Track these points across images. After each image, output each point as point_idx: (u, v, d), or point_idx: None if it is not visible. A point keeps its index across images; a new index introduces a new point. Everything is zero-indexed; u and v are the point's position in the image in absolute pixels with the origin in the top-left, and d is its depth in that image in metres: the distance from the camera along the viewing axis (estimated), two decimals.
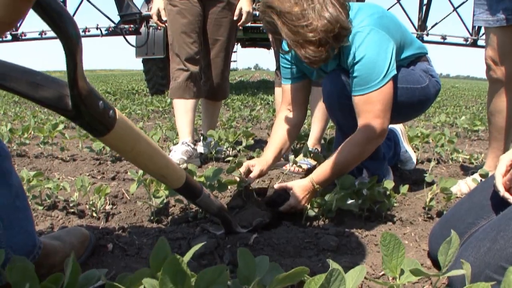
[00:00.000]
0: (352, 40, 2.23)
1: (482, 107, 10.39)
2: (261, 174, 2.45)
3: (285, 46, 2.26)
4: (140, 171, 2.22)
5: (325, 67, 2.52)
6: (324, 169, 2.26)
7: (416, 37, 12.17)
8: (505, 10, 2.56)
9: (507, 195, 1.50)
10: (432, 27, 12.56)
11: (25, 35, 13.32)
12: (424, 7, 12.36)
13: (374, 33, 2.22)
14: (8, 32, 12.10)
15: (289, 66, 2.67)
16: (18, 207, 1.34)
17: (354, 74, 2.24)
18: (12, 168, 1.33)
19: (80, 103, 0.89)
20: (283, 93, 2.76)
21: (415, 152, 3.52)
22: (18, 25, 13.14)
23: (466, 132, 5.70)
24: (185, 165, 3.23)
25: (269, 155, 2.54)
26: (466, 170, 3.46)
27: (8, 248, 1.27)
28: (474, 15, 2.78)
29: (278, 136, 2.64)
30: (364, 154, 2.28)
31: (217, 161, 3.61)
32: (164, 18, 3.71)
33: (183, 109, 3.67)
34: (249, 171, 2.40)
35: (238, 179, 2.31)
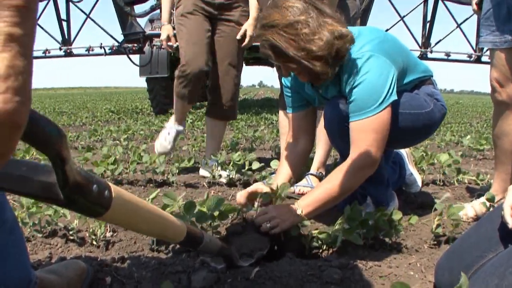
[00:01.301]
0: (351, 65, 2.21)
1: (487, 124, 10.34)
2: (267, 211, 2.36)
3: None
4: (147, 199, 2.19)
5: (326, 94, 2.49)
6: (312, 197, 2.18)
7: (420, 54, 12.33)
8: None
9: None
10: (436, 44, 12.56)
11: None
12: (428, 24, 12.37)
13: (374, 59, 2.19)
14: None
15: (293, 95, 2.66)
16: (13, 242, 1.31)
17: (351, 99, 2.21)
18: (6, 202, 1.30)
19: (72, 194, 0.85)
20: (288, 122, 2.75)
21: (420, 174, 3.48)
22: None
23: (471, 151, 5.65)
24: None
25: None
26: (472, 192, 3.41)
27: (1, 285, 1.24)
28: (480, 36, 2.75)
29: (286, 167, 2.62)
30: (353, 183, 2.21)
31: (220, 185, 3.57)
32: (174, 44, 3.84)
33: (182, 105, 3.90)
34: (255, 193, 2.32)
35: (238, 207, 2.27)
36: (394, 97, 2.19)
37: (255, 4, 3.72)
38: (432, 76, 2.65)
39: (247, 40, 3.72)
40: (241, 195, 2.34)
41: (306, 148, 2.70)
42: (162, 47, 4.00)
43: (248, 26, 3.73)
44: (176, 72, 3.68)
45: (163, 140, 3.96)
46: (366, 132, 2.15)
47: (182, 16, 3.79)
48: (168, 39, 3.89)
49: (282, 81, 2.66)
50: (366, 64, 2.17)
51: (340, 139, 2.41)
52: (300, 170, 2.76)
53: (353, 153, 2.17)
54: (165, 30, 3.91)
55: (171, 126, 4.00)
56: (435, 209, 2.38)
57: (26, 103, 0.53)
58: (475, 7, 2.83)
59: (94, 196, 0.90)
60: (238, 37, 3.74)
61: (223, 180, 3.66)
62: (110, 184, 0.98)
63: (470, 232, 1.73)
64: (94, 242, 2.25)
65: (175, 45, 3.90)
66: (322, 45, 2.03)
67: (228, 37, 3.79)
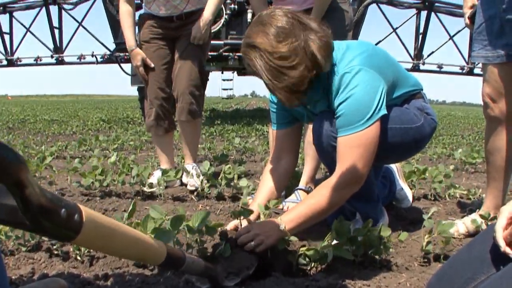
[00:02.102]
0: (339, 80, 2.17)
1: (479, 136, 10.36)
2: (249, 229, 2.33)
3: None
4: (126, 215, 2.14)
5: (315, 109, 2.45)
6: (295, 212, 2.13)
7: (412, 66, 12.37)
8: (506, 46, 2.51)
9: (508, 250, 1.41)
10: (428, 56, 12.64)
11: (20, 61, 13.38)
12: (420, 36, 12.44)
13: (363, 73, 2.15)
14: (4, 57, 12.14)
15: (279, 111, 2.61)
16: None
17: (338, 114, 2.17)
18: None
19: (37, 218, 0.81)
20: (273, 139, 2.69)
21: (411, 189, 3.45)
22: (14, 50, 13.23)
23: (463, 165, 5.63)
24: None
25: (256, 209, 2.41)
26: (464, 207, 3.38)
27: None
28: (473, 50, 2.73)
29: (266, 187, 2.54)
30: (338, 200, 2.16)
31: (208, 199, 3.53)
32: (151, 65, 3.82)
33: (159, 143, 4.09)
34: (237, 229, 2.25)
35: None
36: (383, 111, 2.16)
37: (211, 8, 3.78)
38: (422, 89, 2.62)
39: (196, 38, 3.75)
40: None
41: (288, 168, 2.62)
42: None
43: (194, 28, 3.75)
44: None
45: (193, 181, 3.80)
46: (353, 147, 2.11)
47: (140, 45, 3.87)
48: (143, 63, 3.80)
49: (269, 96, 2.61)
50: (354, 78, 2.14)
51: (329, 154, 2.37)
52: (282, 190, 2.70)
53: (339, 169, 2.13)
54: (136, 55, 3.80)
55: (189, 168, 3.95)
56: (425, 226, 2.35)
57: None
58: (467, 21, 2.82)
59: (62, 220, 0.86)
60: (191, 40, 3.77)
61: (190, 188, 3.68)
62: (82, 207, 0.94)
63: (461, 253, 1.69)
64: (78, 258, 2.21)
65: (152, 65, 3.82)
66: (298, 74, 2.02)
67: (186, 47, 3.82)
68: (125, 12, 3.78)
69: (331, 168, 2.41)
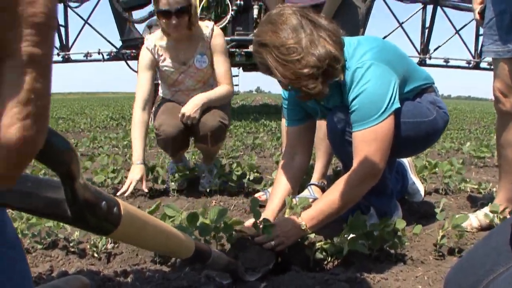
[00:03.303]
0: (352, 76, 2.18)
1: (486, 130, 10.34)
2: None
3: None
4: (148, 211, 2.17)
5: (328, 104, 2.46)
6: (315, 209, 2.15)
7: (419, 60, 12.34)
8: None
9: None
10: (435, 50, 12.61)
11: None
12: (426, 31, 12.42)
13: (375, 67, 2.16)
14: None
15: (292, 107, 2.62)
16: (14, 258, 1.28)
17: (353, 109, 2.18)
18: (7, 219, 1.28)
19: (82, 211, 0.82)
20: (286, 136, 2.69)
21: (422, 183, 3.46)
22: None
23: (472, 159, 5.63)
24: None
25: (274, 207, 2.44)
26: (475, 201, 3.39)
27: None
28: (483, 45, 2.73)
29: (281, 185, 2.53)
30: (357, 194, 2.18)
31: (222, 194, 3.53)
32: (145, 189, 3.45)
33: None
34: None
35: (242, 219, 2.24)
36: (397, 105, 2.17)
37: (214, 93, 3.52)
38: (433, 83, 2.63)
39: (184, 119, 3.38)
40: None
41: (302, 165, 2.61)
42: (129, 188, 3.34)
43: (188, 103, 3.42)
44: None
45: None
46: (369, 142, 2.12)
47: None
48: (141, 180, 3.40)
49: (282, 93, 2.62)
50: (367, 73, 2.15)
51: (344, 150, 2.38)
52: (298, 186, 2.69)
53: (356, 164, 2.14)
54: (139, 171, 3.40)
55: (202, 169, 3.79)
56: (438, 219, 2.36)
57: (44, 129, 0.51)
58: (477, 16, 2.81)
59: (103, 213, 0.88)
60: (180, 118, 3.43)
61: (201, 189, 3.65)
62: (119, 200, 0.95)
63: (479, 245, 1.70)
64: (95, 255, 2.23)
65: (146, 190, 3.44)
66: (310, 68, 2.00)
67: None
68: (139, 122, 3.46)
69: (346, 163, 2.43)
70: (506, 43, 2.56)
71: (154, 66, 3.58)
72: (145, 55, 3.57)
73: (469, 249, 1.82)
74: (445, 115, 2.59)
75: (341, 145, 2.40)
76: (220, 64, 3.62)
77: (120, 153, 5.39)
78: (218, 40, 3.59)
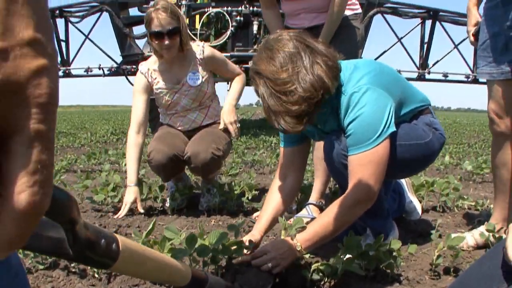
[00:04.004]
0: (348, 100, 2.22)
1: (485, 144, 10.38)
2: (257, 246, 2.38)
3: None
4: (145, 233, 2.20)
5: (325, 128, 2.50)
6: (310, 231, 2.19)
7: (418, 75, 12.37)
8: (510, 63, 2.56)
9: None
10: (434, 65, 12.65)
11: None
12: (425, 45, 12.46)
13: (371, 92, 2.20)
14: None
15: None
16: (17, 286, 1.32)
17: (349, 133, 2.22)
18: None
19: (82, 250, 0.86)
20: (280, 156, 2.73)
21: (420, 201, 3.50)
22: None
23: (471, 175, 5.66)
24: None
25: (261, 227, 2.48)
26: (472, 219, 3.43)
27: None
28: (477, 67, 2.77)
29: (271, 205, 2.57)
30: (352, 217, 2.22)
31: (221, 213, 3.57)
32: (140, 210, 3.50)
33: None
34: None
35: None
36: (392, 129, 2.21)
37: (234, 94, 3.78)
38: (430, 105, 2.67)
39: (230, 128, 3.63)
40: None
41: (294, 186, 2.65)
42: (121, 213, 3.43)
43: (223, 113, 3.66)
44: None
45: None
46: (364, 165, 2.16)
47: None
48: (135, 201, 3.48)
49: None
50: (363, 97, 2.19)
51: (340, 172, 2.42)
52: (288, 206, 2.73)
53: (351, 187, 2.18)
54: (133, 193, 3.48)
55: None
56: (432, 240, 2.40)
57: (49, 193, 0.56)
58: (472, 38, 2.86)
59: (102, 250, 0.92)
60: (221, 127, 3.65)
61: (200, 208, 3.68)
62: (117, 236, 0.99)
63: (471, 269, 1.73)
64: (96, 275, 2.26)
65: (141, 211, 3.48)
66: (299, 105, 2.04)
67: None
68: (133, 145, 3.56)
69: (342, 185, 2.47)
70: (499, 65, 2.60)
71: (149, 90, 3.67)
72: (139, 79, 3.67)
73: (462, 273, 1.85)
74: (441, 136, 2.62)
75: (337, 168, 2.43)
76: (222, 67, 3.85)
77: (119, 170, 5.41)
78: (211, 56, 3.74)
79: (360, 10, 3.44)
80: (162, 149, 3.41)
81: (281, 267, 2.07)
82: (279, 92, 2.04)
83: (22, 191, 0.52)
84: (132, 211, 3.43)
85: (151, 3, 3.76)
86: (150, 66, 3.66)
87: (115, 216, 3.37)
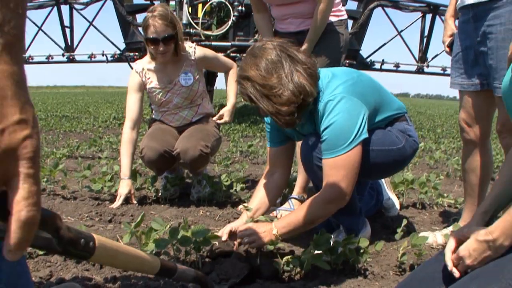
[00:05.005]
0: (324, 107, 2.41)
1: None
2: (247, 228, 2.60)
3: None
4: (133, 224, 2.40)
5: (303, 130, 2.70)
6: (287, 220, 2.44)
7: (417, 68, 12.45)
8: (480, 76, 2.71)
9: (454, 270, 1.65)
10: (433, 58, 12.77)
11: (32, 59, 13.62)
12: (425, 39, 12.56)
13: (345, 101, 2.38)
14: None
15: (273, 131, 2.87)
16: (19, 273, 1.50)
17: (323, 139, 2.42)
18: None
19: (66, 247, 1.11)
20: (267, 155, 2.96)
21: (398, 198, 3.66)
22: (26, 48, 13.38)
23: (457, 172, 5.78)
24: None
25: (243, 221, 2.70)
26: (448, 217, 3.59)
27: None
28: (451, 78, 2.94)
29: (258, 198, 2.84)
30: (323, 214, 2.45)
31: (210, 204, 3.75)
32: (134, 202, 3.73)
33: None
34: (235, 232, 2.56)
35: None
36: (364, 135, 2.39)
37: (234, 91, 3.99)
38: (406, 113, 2.83)
39: (221, 121, 3.95)
40: (223, 232, 2.60)
41: (280, 183, 2.90)
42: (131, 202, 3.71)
43: (225, 112, 3.95)
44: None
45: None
46: (336, 169, 2.36)
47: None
48: (129, 194, 3.69)
49: (264, 118, 2.84)
50: (337, 106, 2.37)
51: (315, 173, 2.62)
52: (274, 202, 2.97)
53: (325, 187, 2.40)
54: (126, 186, 3.69)
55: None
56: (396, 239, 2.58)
57: (39, 210, 0.82)
58: (447, 49, 3.01)
59: (82, 246, 1.17)
60: (215, 118, 3.95)
61: (191, 198, 3.90)
62: (95, 235, 1.23)
63: (417, 271, 1.90)
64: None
65: (135, 202, 3.71)
66: (286, 101, 2.29)
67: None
68: (127, 140, 3.78)
69: (317, 185, 2.69)
70: (470, 78, 2.77)
71: (143, 88, 3.89)
72: (133, 78, 3.88)
73: (409, 274, 2.04)
74: (414, 143, 2.78)
75: (312, 169, 2.63)
76: (215, 63, 4.11)
77: (119, 159, 5.61)
78: (202, 56, 3.95)
79: (345, 17, 3.58)
80: (154, 146, 3.62)
81: (257, 244, 2.35)
82: (268, 95, 2.30)
83: (22, 210, 0.79)
84: (126, 201, 3.64)
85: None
86: (144, 65, 3.87)
87: (111, 206, 3.59)
